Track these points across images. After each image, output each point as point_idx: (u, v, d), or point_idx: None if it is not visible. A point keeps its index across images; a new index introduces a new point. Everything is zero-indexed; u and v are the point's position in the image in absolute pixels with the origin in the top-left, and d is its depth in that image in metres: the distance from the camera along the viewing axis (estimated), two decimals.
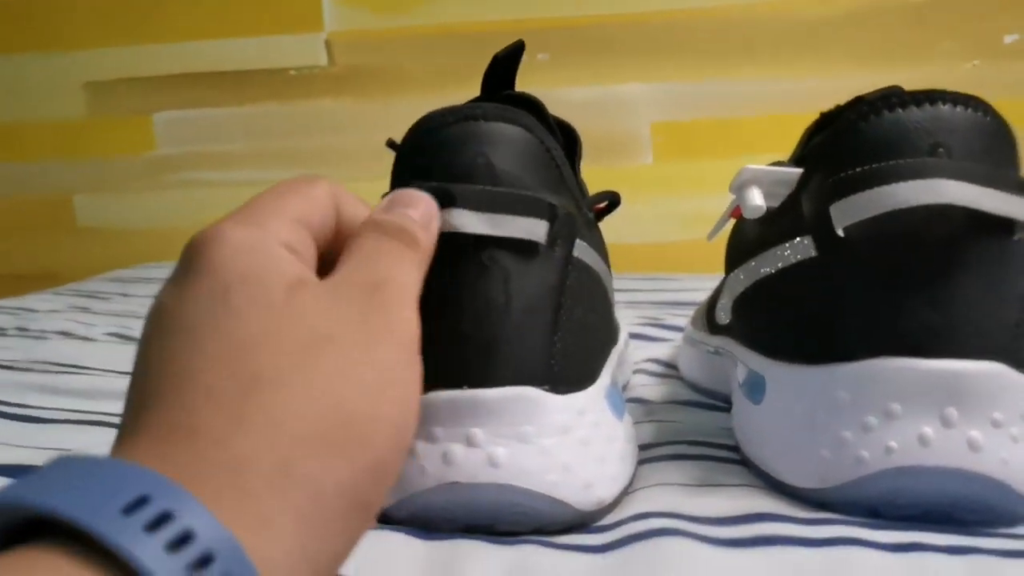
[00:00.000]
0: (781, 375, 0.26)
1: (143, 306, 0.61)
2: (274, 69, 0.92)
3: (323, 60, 0.91)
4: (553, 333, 0.24)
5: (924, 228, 0.22)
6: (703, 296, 0.64)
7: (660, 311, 0.59)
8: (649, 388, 0.39)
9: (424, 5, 0.88)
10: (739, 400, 0.29)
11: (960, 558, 0.20)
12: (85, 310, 0.61)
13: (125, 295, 0.67)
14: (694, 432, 0.31)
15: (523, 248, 0.23)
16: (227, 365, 0.16)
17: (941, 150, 0.23)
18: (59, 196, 0.97)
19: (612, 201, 0.31)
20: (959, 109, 0.23)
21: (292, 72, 0.92)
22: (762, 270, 0.27)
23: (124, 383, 0.17)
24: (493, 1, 0.86)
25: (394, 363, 0.18)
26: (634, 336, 0.50)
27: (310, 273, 0.18)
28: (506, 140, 0.24)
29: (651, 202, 0.89)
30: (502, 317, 0.23)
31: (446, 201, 0.23)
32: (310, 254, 0.19)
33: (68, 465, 0.13)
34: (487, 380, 0.23)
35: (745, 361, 0.28)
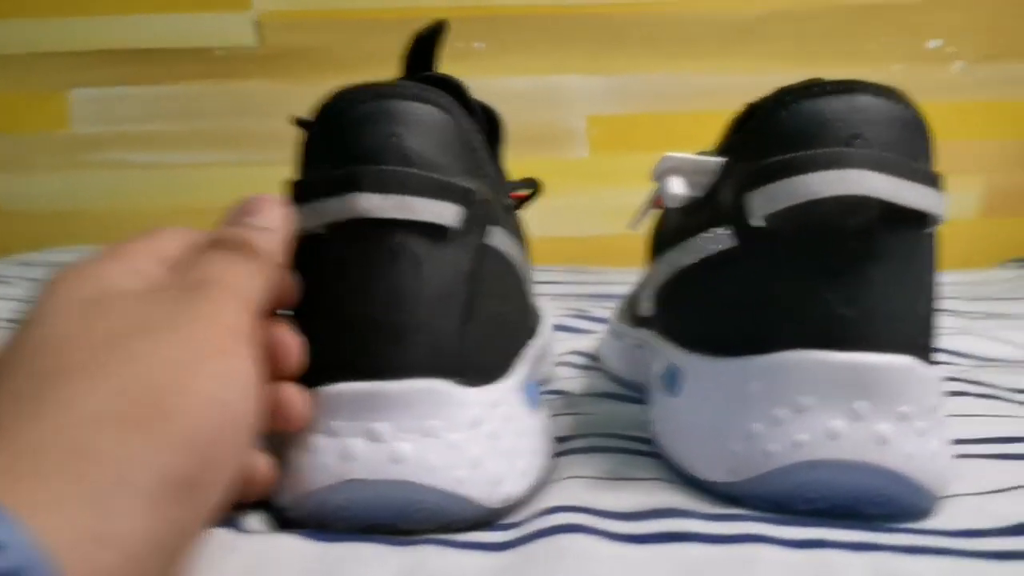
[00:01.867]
0: (698, 367, 0.25)
1: None
2: (200, 48, 0.88)
3: (252, 40, 0.88)
4: (465, 323, 0.23)
5: (839, 219, 0.22)
6: (630, 289, 0.64)
7: (588, 303, 0.59)
8: (571, 380, 0.39)
9: None
10: (657, 392, 0.28)
11: (862, 555, 0.20)
12: None
13: (30, 280, 0.63)
14: (611, 424, 0.31)
15: (435, 233, 0.22)
16: (28, 365, 0.17)
17: (859, 140, 0.22)
18: None
19: (533, 189, 0.30)
20: (878, 100, 0.23)
21: (218, 52, 0.88)
22: (683, 260, 0.27)
23: None
24: None
25: (212, 341, 0.18)
26: (560, 328, 0.49)
27: (138, 283, 0.19)
28: (420, 120, 0.23)
29: (586, 195, 0.89)
30: (413, 304, 0.22)
31: (350, 185, 0.21)
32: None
33: None
34: (394, 371, 0.22)
35: (665, 353, 0.28)
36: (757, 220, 0.23)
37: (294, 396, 0.22)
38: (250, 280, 0.20)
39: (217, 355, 0.18)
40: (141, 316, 0.18)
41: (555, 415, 0.32)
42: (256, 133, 0.88)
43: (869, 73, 0.94)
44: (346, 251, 0.22)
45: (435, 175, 0.22)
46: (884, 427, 0.22)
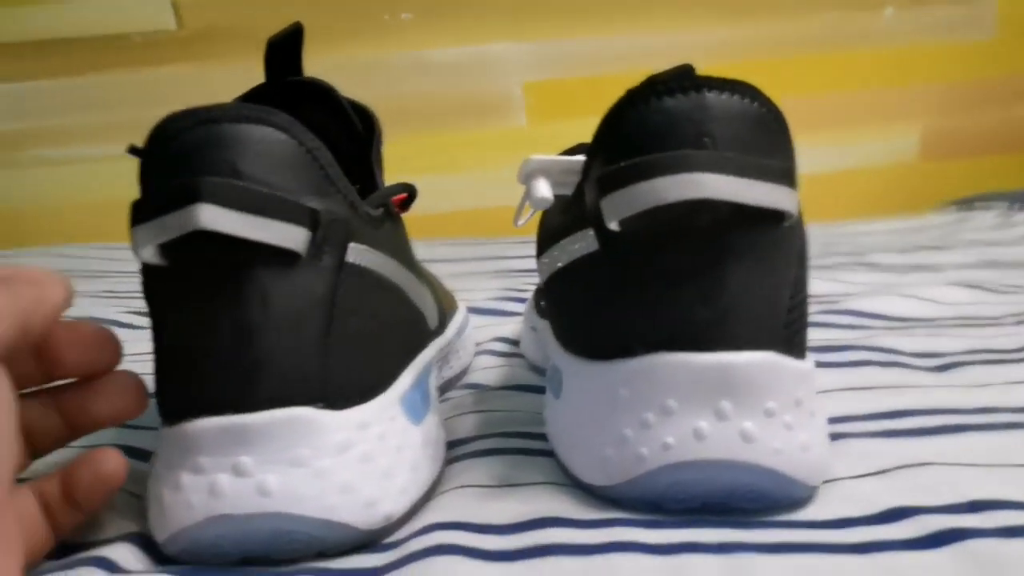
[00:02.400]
0: (574, 370, 0.25)
1: None
2: (117, 34, 0.85)
3: (171, 23, 0.85)
4: (324, 347, 0.22)
5: (690, 221, 0.22)
6: None
7: (526, 280, 0.59)
8: (489, 371, 0.39)
9: None
10: (547, 392, 0.28)
11: (722, 556, 0.20)
12: None
13: None
14: (516, 421, 0.31)
15: (282, 259, 0.22)
16: None
17: (707, 140, 0.22)
18: None
19: (410, 192, 0.29)
20: (725, 96, 0.22)
21: (137, 38, 0.85)
22: (558, 261, 0.26)
23: None
24: None
25: None
26: (486, 312, 0.49)
27: None
28: (254, 143, 0.22)
29: None
30: (262, 337, 0.21)
31: (189, 196, 0.20)
32: None
33: None
34: (253, 404, 0.21)
35: (551, 352, 0.28)
36: (612, 224, 0.22)
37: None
38: None
39: None
40: None
41: (460, 414, 0.32)
42: None
43: (800, 24, 0.94)
44: (187, 284, 0.22)
45: (279, 193, 0.21)
46: (748, 424, 0.22)
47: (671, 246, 0.22)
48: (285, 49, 0.28)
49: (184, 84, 0.86)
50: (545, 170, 0.25)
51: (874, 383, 0.33)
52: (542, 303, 0.34)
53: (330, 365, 0.23)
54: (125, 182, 0.85)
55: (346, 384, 0.23)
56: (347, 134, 0.29)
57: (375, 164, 0.30)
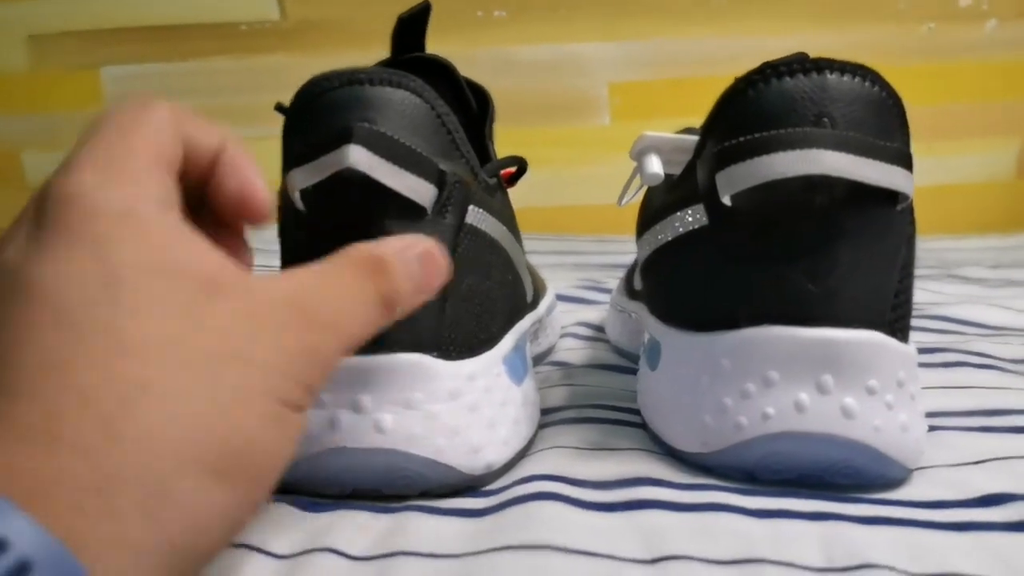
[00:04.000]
0: (674, 342, 0.26)
1: None
2: (224, 23, 0.89)
3: (275, 14, 0.89)
4: (443, 300, 0.24)
5: (805, 198, 0.22)
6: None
7: (604, 273, 0.60)
8: (574, 352, 0.40)
9: None
10: (641, 365, 0.29)
11: (818, 523, 0.21)
12: None
13: None
14: (604, 395, 0.32)
15: (410, 214, 0.23)
16: (110, 369, 0.14)
17: (825, 120, 0.23)
18: (7, 152, 0.95)
19: (520, 166, 0.30)
20: (846, 78, 0.23)
21: (243, 27, 0.89)
22: (661, 237, 0.27)
23: None
24: None
25: (300, 398, 0.16)
26: (570, 299, 0.50)
27: (228, 267, 0.16)
28: (393, 105, 0.23)
29: (608, 163, 0.89)
30: None
31: (344, 137, 0.22)
32: (178, 204, 0.17)
33: None
34: (374, 348, 0.23)
35: (647, 327, 0.29)
36: (726, 198, 0.23)
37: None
38: (368, 324, 0.19)
39: (298, 420, 0.16)
40: (239, 336, 0.15)
41: (550, 386, 0.33)
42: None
43: (898, 33, 0.92)
44: (322, 231, 0.23)
45: (416, 148, 0.23)
46: (850, 400, 0.22)
47: (783, 222, 0.23)
48: (412, 26, 0.29)
49: (284, 73, 0.90)
50: (657, 147, 0.26)
51: (969, 383, 0.32)
52: (635, 284, 0.35)
53: (446, 317, 0.24)
54: None
55: (458, 337, 0.24)
56: (463, 110, 0.31)
57: (488, 138, 0.31)
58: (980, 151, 0.86)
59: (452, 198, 0.24)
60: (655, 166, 0.26)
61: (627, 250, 0.69)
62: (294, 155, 0.23)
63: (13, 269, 0.15)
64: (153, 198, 0.16)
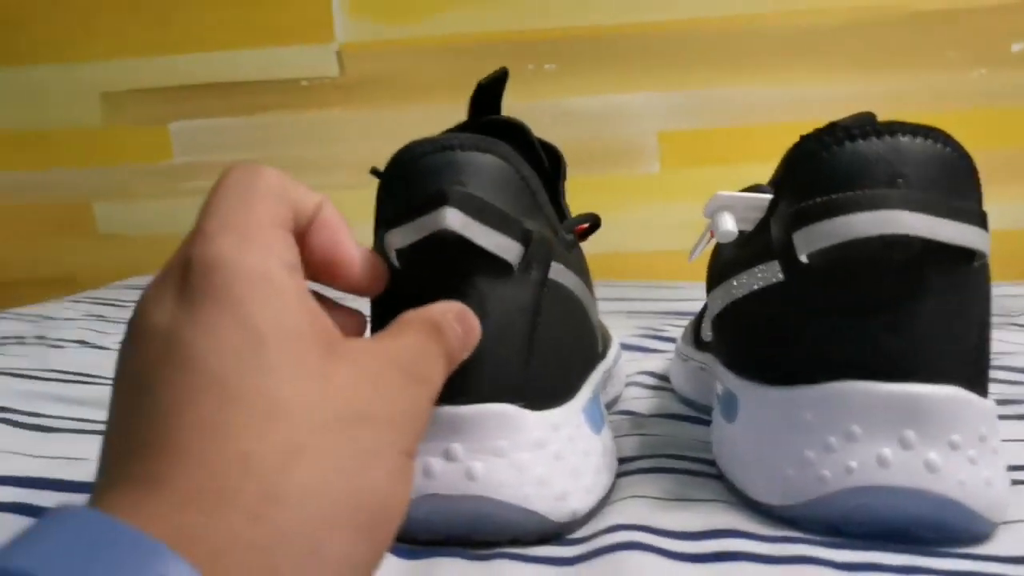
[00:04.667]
0: (752, 394, 0.26)
1: None
2: (286, 79, 0.94)
3: (334, 71, 0.93)
4: (527, 352, 0.25)
5: (883, 256, 0.23)
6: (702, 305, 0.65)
7: (660, 321, 0.60)
8: (640, 401, 0.40)
9: (432, 16, 0.89)
10: (716, 417, 0.29)
11: None
12: (101, 318, 0.63)
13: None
14: (676, 445, 0.32)
15: (498, 271, 0.25)
16: (265, 432, 0.14)
17: (900, 180, 0.23)
18: (80, 203, 1.00)
19: (593, 223, 0.32)
20: (919, 140, 0.24)
21: (304, 83, 0.93)
22: (735, 291, 0.28)
23: None
24: (500, 12, 0.88)
25: (412, 450, 0.18)
26: (631, 348, 0.51)
27: (338, 332, 0.17)
28: (481, 168, 0.25)
29: (657, 210, 0.90)
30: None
31: (440, 200, 0.24)
32: (300, 266, 0.18)
33: (67, 528, 0.12)
34: (465, 397, 0.24)
35: (721, 379, 0.29)
36: (803, 256, 0.24)
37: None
38: (443, 379, 0.20)
39: (411, 472, 0.18)
40: (364, 397, 0.17)
41: (621, 436, 0.34)
42: (339, 159, 0.93)
43: (949, 80, 0.92)
44: (417, 287, 0.25)
45: (504, 210, 0.24)
46: (933, 455, 0.22)
47: (862, 278, 0.23)
48: (490, 91, 0.31)
49: (344, 126, 0.94)
50: (731, 206, 0.27)
51: None
52: (704, 335, 0.36)
53: (531, 368, 0.25)
54: None
55: (543, 387, 0.25)
56: (537, 168, 0.32)
57: (561, 196, 0.32)
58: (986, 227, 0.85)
59: (536, 255, 0.25)
60: (729, 224, 0.27)
61: (679, 296, 0.70)
62: (389, 217, 0.25)
63: (165, 333, 0.16)
64: (282, 261, 0.17)
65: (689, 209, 0.92)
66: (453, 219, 0.23)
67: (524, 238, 0.25)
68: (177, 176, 0.96)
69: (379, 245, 0.25)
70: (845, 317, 0.24)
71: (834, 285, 0.24)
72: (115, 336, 0.55)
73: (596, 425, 0.28)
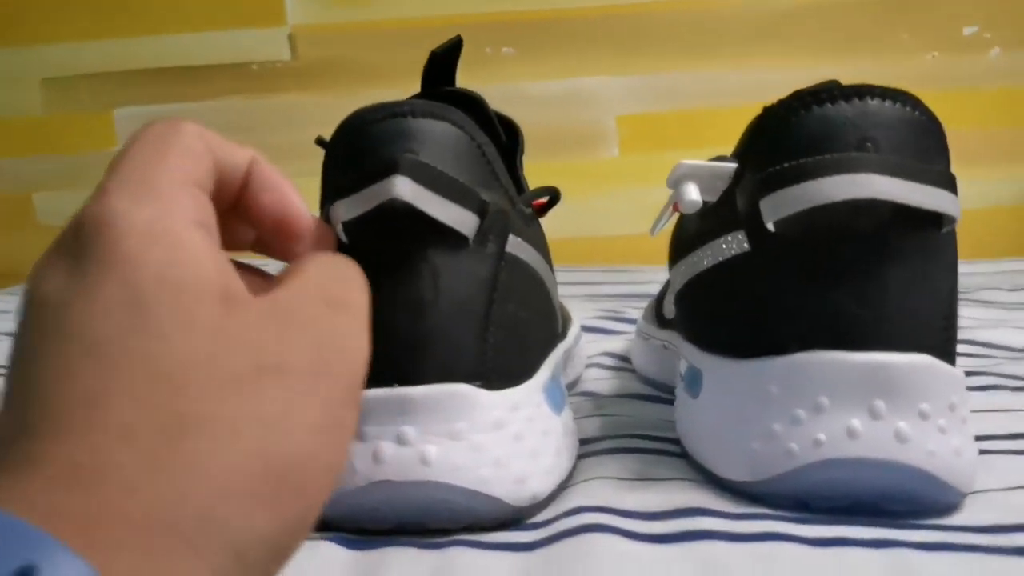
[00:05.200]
0: (717, 369, 0.26)
1: None
2: (236, 64, 0.91)
3: (286, 54, 0.90)
4: (485, 329, 0.24)
5: (851, 222, 0.22)
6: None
7: (621, 303, 0.60)
8: (601, 382, 0.39)
9: None
10: (680, 394, 0.29)
11: (881, 551, 0.20)
12: None
13: None
14: (639, 425, 0.31)
15: (453, 244, 0.23)
16: (148, 400, 0.13)
17: (869, 144, 0.23)
18: (19, 194, 0.96)
19: (552, 196, 0.30)
20: (887, 104, 0.23)
21: (255, 67, 0.90)
22: (699, 264, 0.27)
23: None
24: None
25: (342, 401, 0.15)
26: (591, 330, 0.50)
27: (241, 285, 0.15)
28: (434, 136, 0.24)
29: (618, 195, 0.89)
30: (431, 313, 0.23)
31: (390, 168, 0.22)
32: (215, 227, 0.17)
33: None
34: (418, 377, 0.23)
35: (685, 355, 0.28)
36: (770, 224, 0.23)
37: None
38: (367, 297, 0.17)
39: (344, 425, 0.15)
40: (273, 346, 0.15)
41: (583, 417, 0.33)
42: (292, 145, 0.90)
43: (903, 63, 0.93)
44: (366, 262, 0.23)
45: (458, 179, 0.23)
46: (903, 425, 0.22)
47: (829, 246, 0.23)
48: (444, 60, 0.30)
49: (297, 111, 0.91)
50: (695, 175, 0.26)
51: (1009, 406, 0.32)
52: (666, 313, 0.35)
53: (488, 346, 0.24)
54: None
55: (501, 366, 0.24)
56: (494, 142, 0.31)
57: (519, 170, 0.31)
58: (986, 178, 0.86)
59: (493, 228, 0.24)
60: (693, 193, 0.26)
61: (639, 280, 0.70)
62: (336, 188, 0.23)
63: (54, 303, 0.14)
64: (183, 215, 0.15)
65: (648, 193, 0.91)
66: (403, 188, 0.22)
67: (480, 209, 0.23)
68: None
69: (325, 220, 0.24)
70: (812, 286, 0.23)
71: (801, 253, 0.23)
72: None
73: (557, 405, 0.27)
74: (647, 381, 0.39)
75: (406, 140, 0.23)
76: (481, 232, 0.24)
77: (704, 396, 0.26)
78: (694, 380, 0.27)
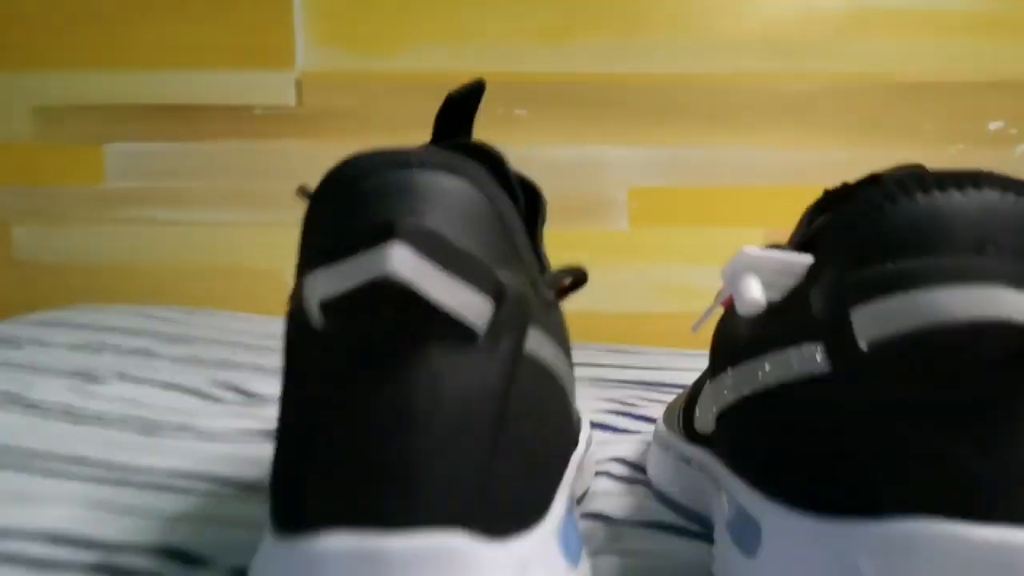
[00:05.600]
0: (783, 525, 0.20)
1: (56, 359, 0.54)
2: (238, 106, 0.87)
3: (291, 100, 0.87)
4: (491, 454, 0.18)
5: (971, 347, 0.17)
6: (677, 376, 0.59)
7: (630, 393, 0.54)
8: (613, 499, 0.33)
9: (403, 49, 0.84)
10: (725, 545, 0.23)
11: None
12: None
13: (41, 343, 0.60)
14: (668, 571, 0.25)
15: (458, 338, 0.18)
16: None
17: (990, 247, 0.18)
18: None
19: (577, 279, 0.25)
20: (1011, 197, 0.18)
21: (257, 110, 0.87)
22: (755, 378, 0.22)
23: None
24: (475, 51, 0.83)
25: None
26: (600, 426, 0.44)
27: None
28: (445, 196, 0.19)
29: (625, 270, 0.85)
30: (424, 431, 0.17)
31: (383, 234, 0.17)
32: None
33: None
34: (399, 519, 0.17)
35: (733, 493, 0.23)
36: (863, 343, 0.18)
37: None
38: None
39: None
40: None
41: (598, 553, 0.27)
42: (289, 194, 0.86)
43: (927, 153, 0.89)
44: (344, 354, 0.18)
45: (474, 254, 0.18)
46: None
47: (943, 378, 0.17)
48: (462, 106, 0.25)
49: (297, 159, 0.87)
50: (757, 267, 0.21)
51: None
52: (699, 424, 0.29)
53: (496, 477, 0.18)
54: (234, 247, 0.84)
55: (508, 504, 0.19)
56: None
57: (539, 243, 0.26)
58: None
59: (510, 319, 0.19)
60: (755, 291, 0.21)
61: (647, 364, 0.64)
62: (317, 252, 0.18)
63: None
64: None
65: (657, 271, 0.87)
66: (401, 262, 0.17)
67: (496, 293, 0.18)
68: (107, 202, 0.88)
69: (296, 298, 0.19)
70: (918, 427, 0.18)
71: (903, 384, 0.18)
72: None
73: (573, 553, 0.21)
74: (665, 500, 0.33)
75: (408, 198, 0.18)
76: (495, 325, 0.18)
77: (764, 558, 0.20)
78: (749, 533, 0.21)
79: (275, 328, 0.68)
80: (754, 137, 0.84)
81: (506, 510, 0.18)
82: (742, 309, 0.21)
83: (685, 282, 0.85)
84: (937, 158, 0.83)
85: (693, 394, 0.32)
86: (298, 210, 0.88)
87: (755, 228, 0.82)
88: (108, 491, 0.32)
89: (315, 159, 0.86)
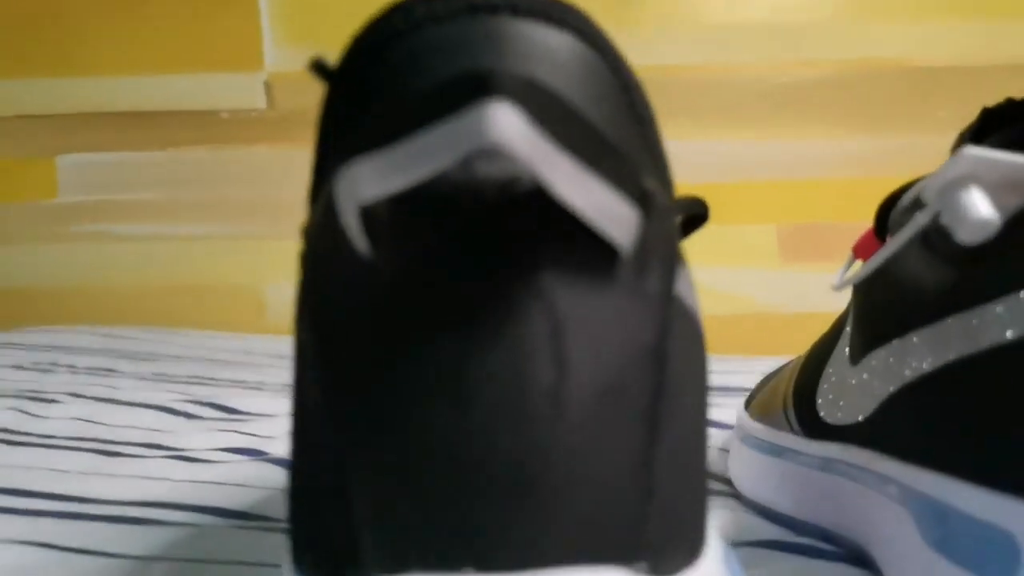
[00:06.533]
0: None
1: None
2: (203, 111, 0.80)
3: (261, 103, 0.80)
4: (649, 452, 0.11)
5: None
6: (731, 379, 0.51)
7: None
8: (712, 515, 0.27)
9: None
10: (929, 564, 0.16)
11: None
12: None
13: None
14: None
15: (592, 267, 0.11)
16: None
17: None
18: None
19: (700, 213, 0.18)
20: None
21: (224, 115, 0.80)
22: (971, 337, 0.15)
23: None
24: None
25: None
26: None
27: None
28: (553, 56, 0.12)
29: None
30: (550, 415, 0.10)
31: (477, 84, 0.10)
32: None
33: None
34: (520, 558, 0.10)
35: (943, 496, 0.16)
36: None
37: None
38: None
39: None
40: None
41: None
42: (263, 203, 0.79)
43: (940, 141, 0.84)
44: (416, 293, 0.11)
45: (608, 137, 0.11)
46: None
47: None
48: None
49: (268, 166, 0.80)
50: (983, 175, 0.15)
51: None
52: (823, 412, 0.23)
53: (656, 485, 0.11)
54: (202, 263, 0.76)
55: (674, 525, 0.12)
56: None
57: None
58: None
59: (660, 242, 0.12)
60: (983, 208, 0.14)
61: (722, 369, 0.57)
62: (356, 138, 0.11)
63: None
64: None
65: None
66: (509, 126, 0.10)
67: (642, 199, 0.12)
68: (61, 218, 0.80)
69: (322, 210, 0.12)
70: None
71: None
72: None
73: None
74: (767, 514, 0.26)
75: (500, 54, 0.11)
76: (642, 249, 0.12)
77: None
78: (993, 552, 0.14)
79: (256, 345, 0.61)
80: (757, 129, 0.79)
81: (670, 533, 0.11)
82: (965, 234, 0.15)
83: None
84: (947, 147, 0.79)
85: (808, 379, 0.25)
86: (272, 220, 0.81)
87: (763, 224, 0.77)
88: (53, 527, 0.25)
89: (288, 165, 0.79)
